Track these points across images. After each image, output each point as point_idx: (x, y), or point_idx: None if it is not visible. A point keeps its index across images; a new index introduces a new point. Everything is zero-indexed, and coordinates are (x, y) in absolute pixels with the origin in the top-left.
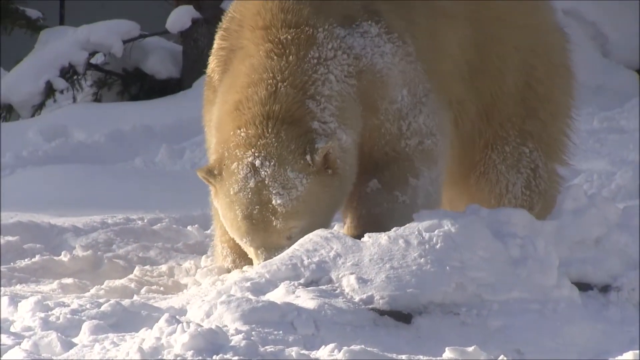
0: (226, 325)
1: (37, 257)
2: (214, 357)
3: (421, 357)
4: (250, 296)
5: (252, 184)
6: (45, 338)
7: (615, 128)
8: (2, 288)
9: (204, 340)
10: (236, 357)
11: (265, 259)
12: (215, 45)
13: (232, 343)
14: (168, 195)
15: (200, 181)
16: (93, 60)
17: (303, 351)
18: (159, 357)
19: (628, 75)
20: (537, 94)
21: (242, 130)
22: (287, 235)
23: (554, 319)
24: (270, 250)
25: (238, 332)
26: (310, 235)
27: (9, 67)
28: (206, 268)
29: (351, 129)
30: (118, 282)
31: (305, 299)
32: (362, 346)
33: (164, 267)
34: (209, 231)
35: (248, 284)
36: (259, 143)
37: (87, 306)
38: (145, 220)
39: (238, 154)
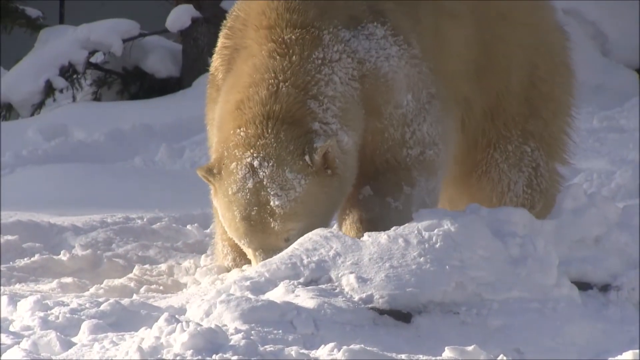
0: (226, 325)
1: (37, 256)
2: (214, 356)
3: (421, 356)
4: (250, 295)
5: (250, 184)
6: (45, 337)
7: (615, 127)
8: (1, 287)
9: (204, 339)
10: (236, 357)
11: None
12: (219, 44)
13: (232, 342)
14: (168, 195)
15: (200, 180)
16: (93, 59)
17: (302, 350)
18: (159, 356)
19: (628, 75)
20: (541, 92)
21: (241, 129)
22: (285, 237)
23: (554, 318)
24: (268, 252)
25: (237, 331)
26: (310, 235)
27: (8, 66)
28: (206, 267)
29: (353, 130)
30: (117, 282)
31: (305, 298)
32: (362, 345)
33: (163, 266)
34: (208, 230)
35: (247, 283)
36: (258, 143)
37: (87, 305)
38: (145, 220)
39: (237, 154)
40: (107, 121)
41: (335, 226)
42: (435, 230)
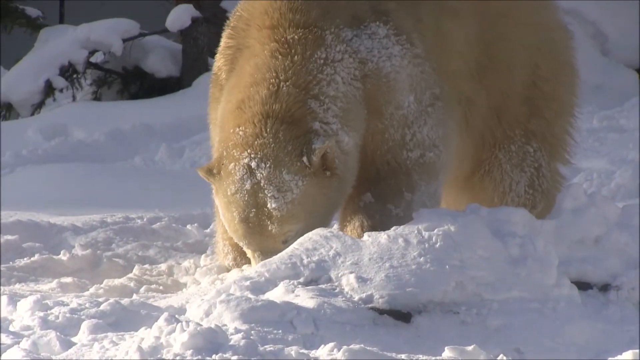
0: (225, 325)
1: (37, 256)
2: (213, 356)
3: (420, 356)
4: (250, 295)
5: (248, 185)
6: (45, 337)
7: (615, 127)
8: (1, 287)
9: (203, 339)
10: (235, 356)
11: None
12: (222, 44)
13: (232, 342)
14: (167, 194)
15: (200, 180)
16: (93, 59)
17: (302, 350)
18: (158, 356)
19: (628, 75)
20: (543, 92)
21: (240, 128)
22: (282, 240)
23: (554, 318)
24: (266, 254)
25: (237, 331)
26: (310, 234)
27: (8, 65)
28: (205, 267)
29: (354, 131)
30: (117, 281)
31: (305, 298)
32: (362, 345)
33: (163, 266)
34: (208, 230)
35: (247, 283)
36: (255, 143)
37: (87, 305)
38: (145, 219)
39: (235, 154)
40: (107, 121)
41: (335, 226)
42: (435, 230)
